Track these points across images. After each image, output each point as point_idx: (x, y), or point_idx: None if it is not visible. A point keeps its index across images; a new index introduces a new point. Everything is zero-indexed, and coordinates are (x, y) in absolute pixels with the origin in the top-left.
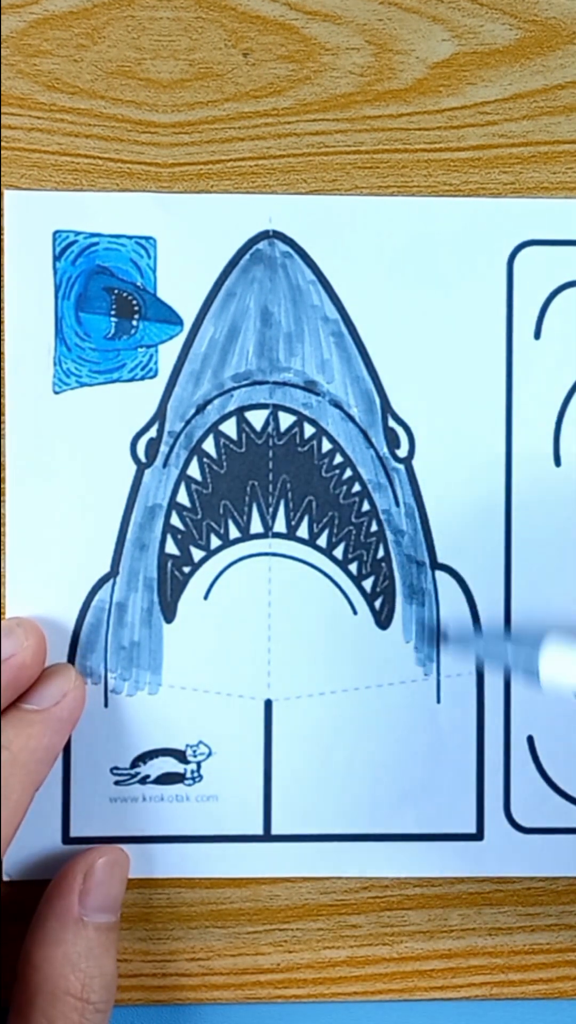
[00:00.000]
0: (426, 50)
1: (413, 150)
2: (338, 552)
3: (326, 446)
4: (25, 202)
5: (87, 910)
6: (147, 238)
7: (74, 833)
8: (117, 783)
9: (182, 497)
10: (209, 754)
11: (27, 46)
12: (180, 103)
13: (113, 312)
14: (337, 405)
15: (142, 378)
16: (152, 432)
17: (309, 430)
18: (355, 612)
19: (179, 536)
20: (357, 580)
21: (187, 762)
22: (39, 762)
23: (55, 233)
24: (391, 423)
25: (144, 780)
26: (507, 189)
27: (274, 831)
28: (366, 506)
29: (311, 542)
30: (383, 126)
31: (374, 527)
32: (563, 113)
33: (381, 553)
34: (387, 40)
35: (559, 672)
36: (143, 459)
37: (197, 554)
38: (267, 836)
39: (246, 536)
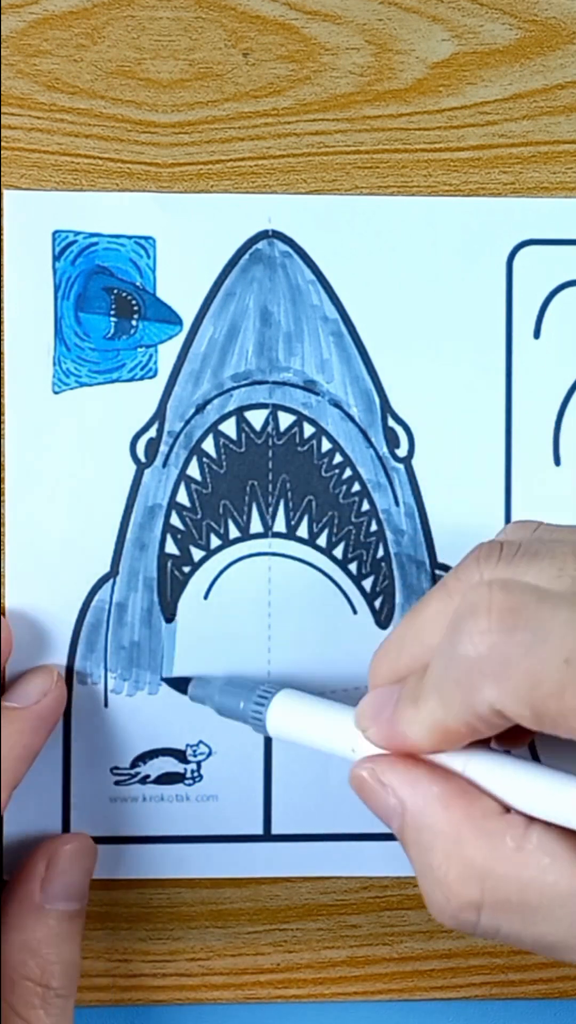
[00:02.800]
0: (426, 50)
1: (413, 150)
2: (338, 552)
3: (326, 446)
4: (25, 202)
5: (48, 898)
6: (146, 238)
7: (74, 832)
8: (117, 783)
9: (182, 497)
10: (209, 754)
11: (27, 46)
12: (180, 103)
13: (113, 312)
14: (337, 405)
15: (142, 378)
16: (152, 432)
17: (309, 430)
18: (355, 611)
19: (179, 536)
20: (357, 580)
21: (187, 762)
22: (18, 759)
23: (55, 233)
24: (391, 423)
25: (144, 780)
26: (507, 189)
27: (274, 831)
28: (366, 506)
29: (311, 542)
30: (383, 126)
31: (374, 527)
32: (563, 113)
33: (381, 553)
34: (387, 40)
35: (283, 724)
36: (143, 459)
37: (197, 554)
38: (267, 836)
39: (246, 536)
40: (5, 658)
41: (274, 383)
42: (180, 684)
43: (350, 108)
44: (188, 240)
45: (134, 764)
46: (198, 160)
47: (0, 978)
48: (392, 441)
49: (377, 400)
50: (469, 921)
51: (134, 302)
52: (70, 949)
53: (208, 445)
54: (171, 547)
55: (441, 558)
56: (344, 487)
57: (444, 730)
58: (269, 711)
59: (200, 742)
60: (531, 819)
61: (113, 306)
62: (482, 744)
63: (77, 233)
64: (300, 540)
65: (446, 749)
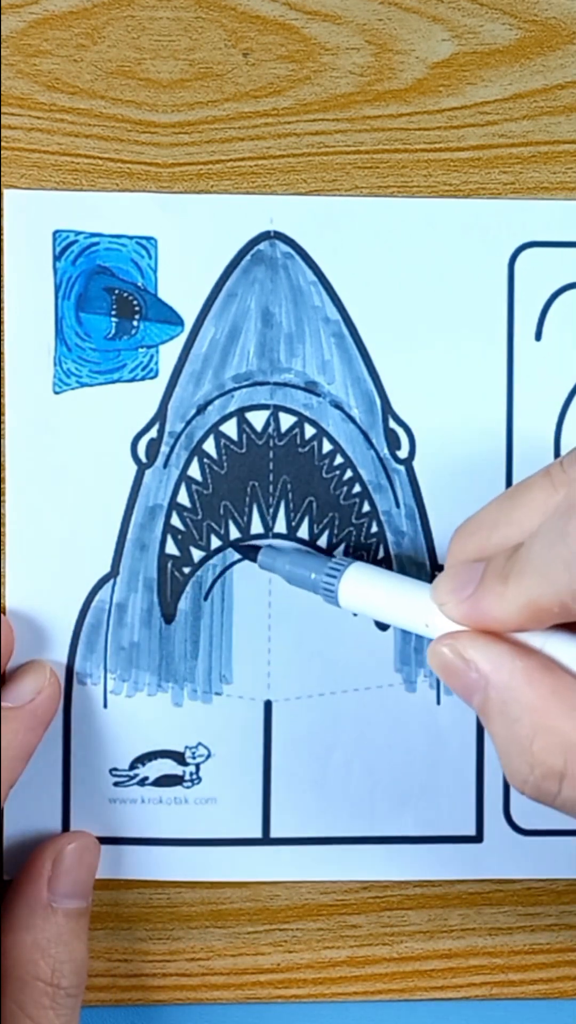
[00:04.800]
0: (426, 50)
1: (413, 150)
2: (338, 553)
3: (327, 447)
4: (25, 202)
5: (56, 896)
6: (148, 238)
7: (77, 830)
8: (116, 784)
9: (182, 497)
10: (208, 756)
11: (27, 46)
12: (180, 103)
13: (114, 312)
14: (338, 406)
15: (143, 378)
16: (153, 432)
17: (310, 431)
18: (355, 613)
19: (179, 536)
20: None
21: (186, 764)
22: (14, 759)
23: (55, 233)
24: (392, 424)
25: (143, 782)
26: (507, 189)
27: (273, 834)
28: (366, 507)
29: (311, 543)
30: (383, 126)
31: (374, 528)
32: (563, 113)
33: (381, 554)
34: (387, 40)
35: (357, 595)
36: (143, 459)
37: (197, 555)
38: (266, 839)
39: (246, 536)
40: (6, 657)
41: (275, 384)
42: (249, 552)
43: (350, 108)
44: (189, 240)
45: (133, 766)
46: (198, 160)
47: (9, 978)
48: (393, 442)
49: (378, 401)
50: (550, 791)
51: (135, 302)
52: (79, 947)
53: (209, 446)
54: (171, 548)
55: (442, 560)
56: (345, 488)
57: (536, 608)
58: (341, 582)
59: (199, 744)
60: None
61: (114, 306)
62: (557, 626)
63: (78, 233)
64: (301, 541)
65: (529, 628)
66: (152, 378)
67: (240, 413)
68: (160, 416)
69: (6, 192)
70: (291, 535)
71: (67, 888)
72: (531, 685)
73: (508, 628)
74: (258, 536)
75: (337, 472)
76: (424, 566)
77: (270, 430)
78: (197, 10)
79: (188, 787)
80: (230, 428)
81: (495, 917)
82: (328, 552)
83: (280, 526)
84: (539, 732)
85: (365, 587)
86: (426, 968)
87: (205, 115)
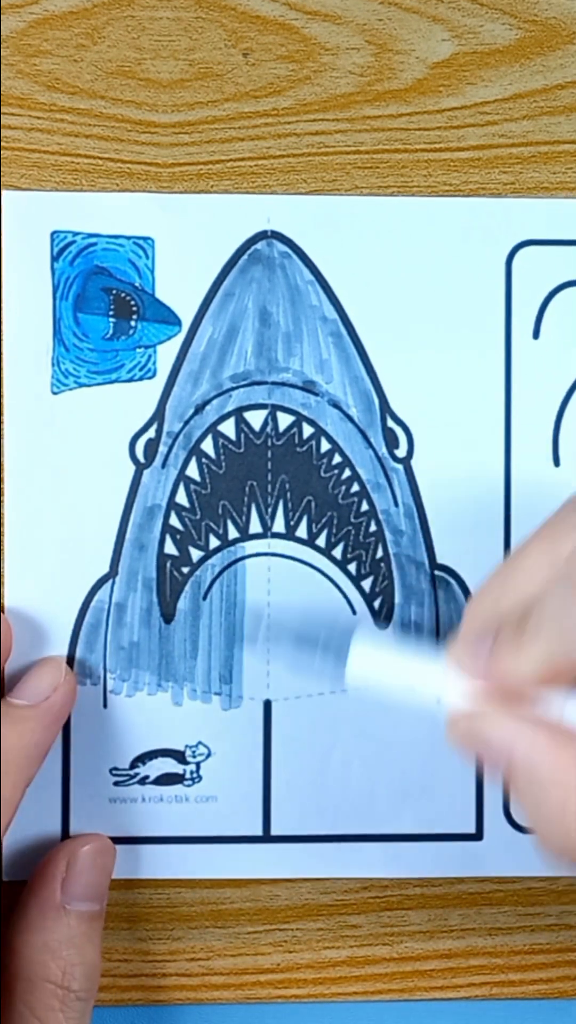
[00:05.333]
0: (426, 50)
1: (413, 150)
2: (337, 552)
3: (325, 446)
4: (23, 202)
5: (69, 898)
6: (145, 238)
7: (74, 833)
8: (116, 784)
9: (181, 497)
10: (208, 755)
11: (27, 46)
12: (180, 103)
13: (111, 312)
14: (336, 405)
15: (140, 378)
16: (151, 432)
17: (308, 430)
18: (354, 612)
19: (178, 536)
20: (356, 580)
21: (186, 763)
22: (29, 758)
23: (53, 233)
24: (390, 423)
25: (143, 781)
26: (507, 189)
27: (273, 832)
28: (365, 506)
29: (310, 542)
30: (383, 126)
31: (373, 527)
32: (563, 113)
33: (380, 553)
34: (387, 40)
35: (365, 674)
36: (142, 459)
37: (196, 554)
38: (266, 837)
39: (245, 536)
40: (6, 656)
41: (273, 383)
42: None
43: (350, 108)
44: (187, 240)
45: (133, 765)
46: (198, 160)
47: (19, 979)
48: (391, 441)
49: (376, 400)
50: None
51: (133, 302)
52: (91, 951)
53: (207, 445)
54: (170, 547)
55: (440, 558)
56: (343, 487)
57: (554, 665)
58: (348, 664)
59: (199, 743)
60: None
61: (112, 306)
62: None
63: (76, 233)
64: (299, 540)
65: (548, 684)
66: (150, 378)
67: (238, 413)
68: (158, 416)
69: (5, 192)
70: (290, 534)
71: (80, 890)
72: (555, 756)
73: (527, 683)
74: (257, 536)
75: (335, 471)
76: (423, 564)
77: (268, 430)
78: (197, 10)
79: (188, 786)
80: (228, 428)
81: (495, 917)
82: (327, 552)
83: (279, 525)
84: (569, 801)
85: (372, 667)
86: (426, 968)
87: (205, 115)
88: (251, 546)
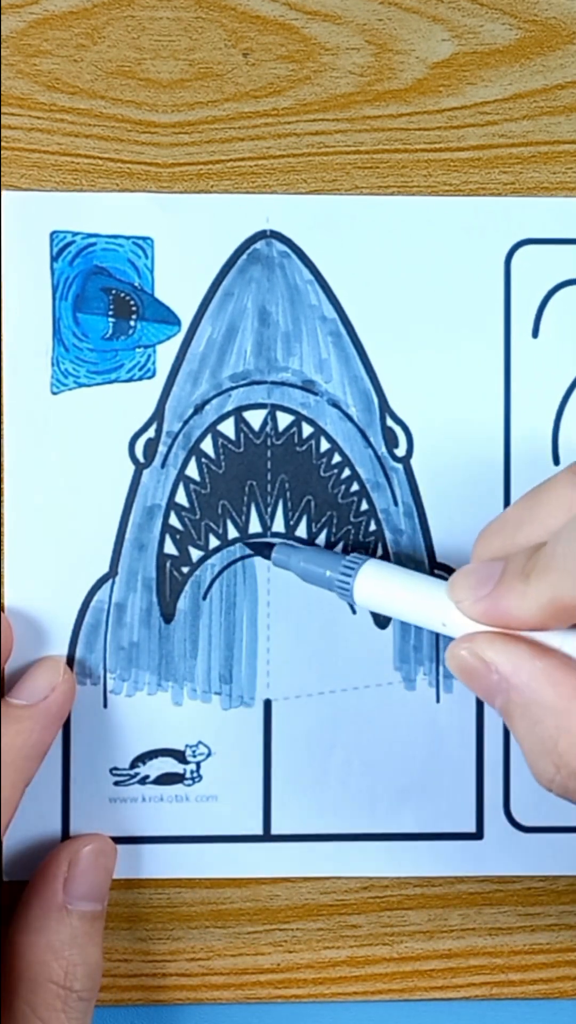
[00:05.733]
0: (426, 50)
1: (413, 150)
2: (337, 551)
3: (324, 445)
4: (23, 202)
5: (71, 898)
6: (144, 238)
7: (74, 833)
8: (116, 783)
9: (180, 497)
10: (208, 754)
11: (27, 46)
12: (180, 103)
13: (111, 312)
14: (335, 405)
15: (140, 378)
16: (150, 432)
17: (307, 430)
18: (354, 612)
19: (178, 536)
20: None
21: (186, 762)
22: (28, 759)
23: (52, 233)
24: (389, 422)
25: (144, 780)
26: (507, 189)
27: (274, 831)
28: (364, 505)
29: (310, 542)
30: (383, 126)
31: (373, 526)
32: (563, 113)
33: (380, 552)
34: (387, 40)
35: (372, 593)
36: (141, 459)
37: (196, 554)
38: (267, 836)
39: (245, 536)
40: (6, 656)
41: (272, 383)
42: (262, 548)
43: (350, 108)
44: (186, 240)
45: (133, 764)
46: (198, 160)
47: (21, 980)
48: (391, 441)
49: (376, 400)
50: None
51: (132, 302)
52: (93, 951)
53: (207, 445)
54: (170, 547)
55: (440, 558)
56: (343, 487)
57: (559, 605)
58: (357, 579)
59: (199, 742)
60: None
61: (111, 306)
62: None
63: (75, 234)
64: (299, 540)
65: (550, 627)
66: (149, 378)
67: (237, 412)
68: (158, 416)
69: (5, 193)
70: (289, 534)
71: (82, 890)
72: (553, 685)
73: (528, 627)
74: (256, 535)
75: (335, 471)
76: (423, 564)
77: (268, 429)
78: (197, 10)
79: (189, 785)
80: (228, 427)
81: (495, 917)
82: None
83: (278, 525)
84: (563, 732)
85: (381, 584)
86: (426, 968)
87: (205, 115)
88: (251, 546)
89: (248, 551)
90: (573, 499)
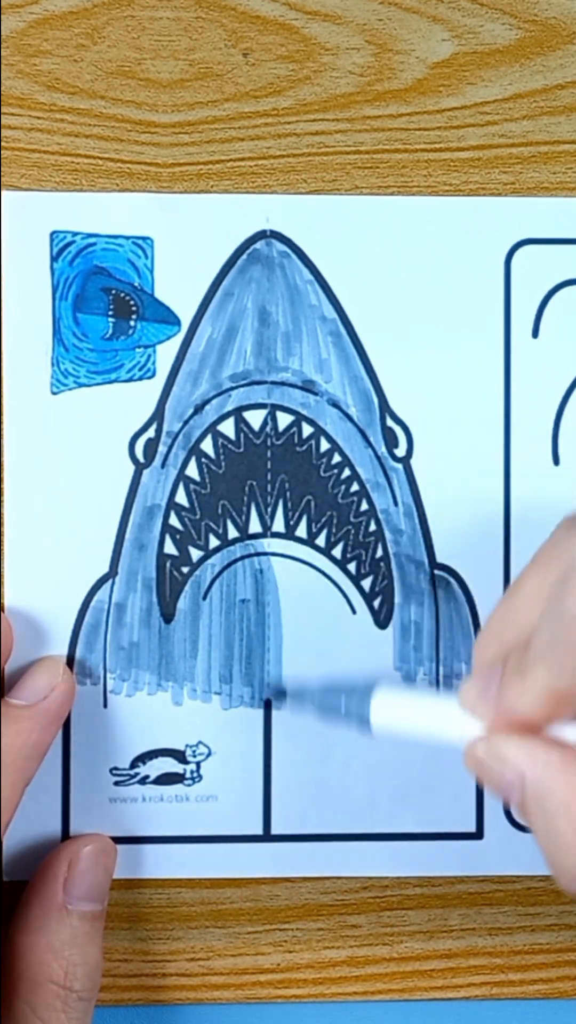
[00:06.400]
0: (426, 50)
1: (413, 150)
2: (337, 552)
3: (324, 446)
4: (23, 202)
5: (71, 898)
6: (144, 238)
7: (74, 833)
8: (116, 783)
9: (180, 497)
10: (208, 754)
11: (27, 46)
12: (180, 103)
13: (111, 312)
14: (335, 405)
15: (140, 378)
16: (150, 432)
17: (307, 430)
18: (354, 611)
19: (178, 536)
20: (356, 579)
21: (186, 762)
22: (28, 759)
23: (52, 234)
24: (389, 423)
25: (144, 780)
26: (507, 189)
27: (274, 831)
28: (364, 505)
29: (310, 542)
30: (383, 126)
31: (372, 526)
32: (563, 113)
33: (380, 553)
34: (387, 40)
35: (388, 719)
36: (141, 459)
37: (196, 554)
38: (267, 836)
39: (244, 536)
40: (6, 656)
41: (272, 383)
42: (279, 696)
43: (350, 108)
44: (186, 240)
45: (133, 764)
46: (198, 160)
47: (22, 980)
48: (391, 441)
49: (375, 400)
50: None
51: (132, 302)
52: (93, 951)
53: (207, 445)
54: (170, 547)
55: (440, 558)
56: (343, 487)
57: (556, 694)
58: (371, 714)
59: (199, 742)
60: None
61: (111, 306)
62: None
63: (75, 234)
64: (299, 540)
65: (557, 716)
66: (149, 378)
67: (237, 412)
68: (158, 416)
69: (5, 193)
70: (289, 534)
71: (82, 891)
72: (565, 777)
73: (535, 720)
74: (256, 535)
75: (335, 471)
76: (422, 564)
77: (267, 429)
78: (197, 10)
79: (189, 785)
80: (228, 427)
81: (495, 917)
82: (327, 552)
83: (278, 525)
84: None
85: (395, 714)
86: (426, 968)
87: (205, 115)
88: (251, 546)
89: (247, 552)
90: (540, 594)
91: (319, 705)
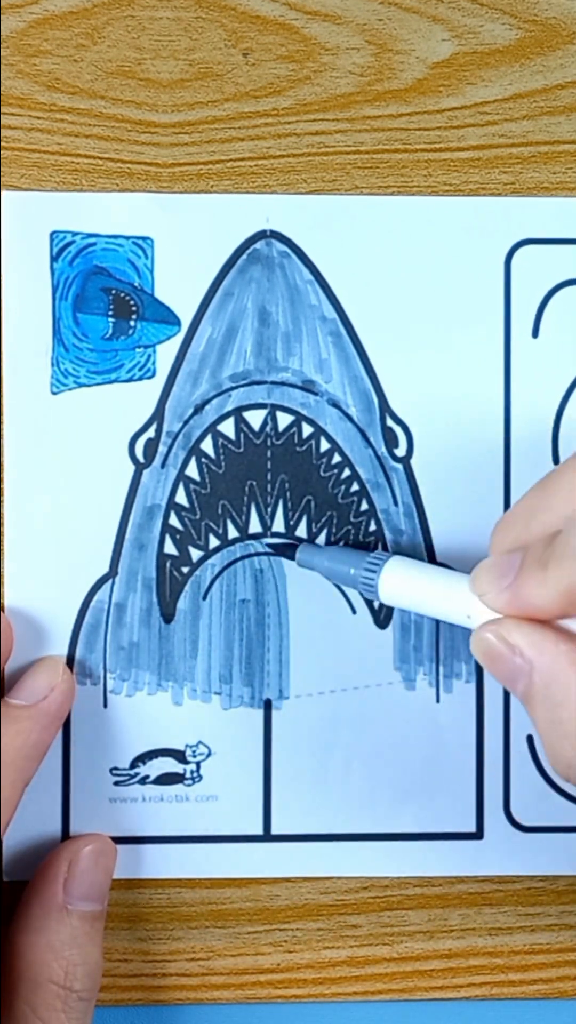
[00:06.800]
0: (426, 50)
1: (413, 150)
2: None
3: (324, 446)
4: (23, 202)
5: (71, 898)
6: (144, 238)
7: (74, 833)
8: (117, 783)
9: (180, 497)
10: (208, 754)
11: (27, 46)
12: (180, 103)
13: (111, 312)
14: (335, 405)
15: (140, 378)
16: (150, 432)
17: (307, 430)
18: (354, 611)
19: (178, 536)
20: None
21: (186, 762)
22: (27, 759)
23: (52, 234)
24: (389, 422)
25: (144, 780)
26: (507, 189)
27: (274, 831)
28: (364, 505)
29: (309, 542)
30: (383, 126)
31: (373, 527)
32: (563, 113)
33: None
34: (387, 40)
35: (397, 588)
36: (141, 459)
37: (196, 554)
38: (267, 836)
39: (244, 536)
40: (6, 656)
41: (272, 383)
42: (286, 549)
43: (350, 108)
44: (186, 240)
45: (133, 764)
46: (198, 160)
47: (22, 980)
48: (391, 441)
49: (376, 400)
50: None
51: (132, 302)
52: (93, 951)
53: (207, 445)
54: (170, 547)
55: (440, 558)
56: (343, 487)
57: (575, 593)
58: (381, 577)
59: (199, 742)
60: None
61: (111, 306)
62: None
63: (75, 234)
64: (299, 540)
65: (571, 614)
66: (149, 378)
67: (237, 412)
68: (158, 416)
69: (5, 193)
70: (289, 534)
71: (82, 891)
72: (574, 668)
73: (549, 615)
74: (256, 535)
75: (335, 471)
76: None
77: (268, 429)
78: (197, 10)
79: (189, 785)
80: (228, 427)
81: (495, 917)
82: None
83: (278, 525)
84: None
85: (405, 581)
86: (426, 968)
87: (205, 115)
88: (251, 546)
89: (247, 552)
90: None
91: (329, 566)
